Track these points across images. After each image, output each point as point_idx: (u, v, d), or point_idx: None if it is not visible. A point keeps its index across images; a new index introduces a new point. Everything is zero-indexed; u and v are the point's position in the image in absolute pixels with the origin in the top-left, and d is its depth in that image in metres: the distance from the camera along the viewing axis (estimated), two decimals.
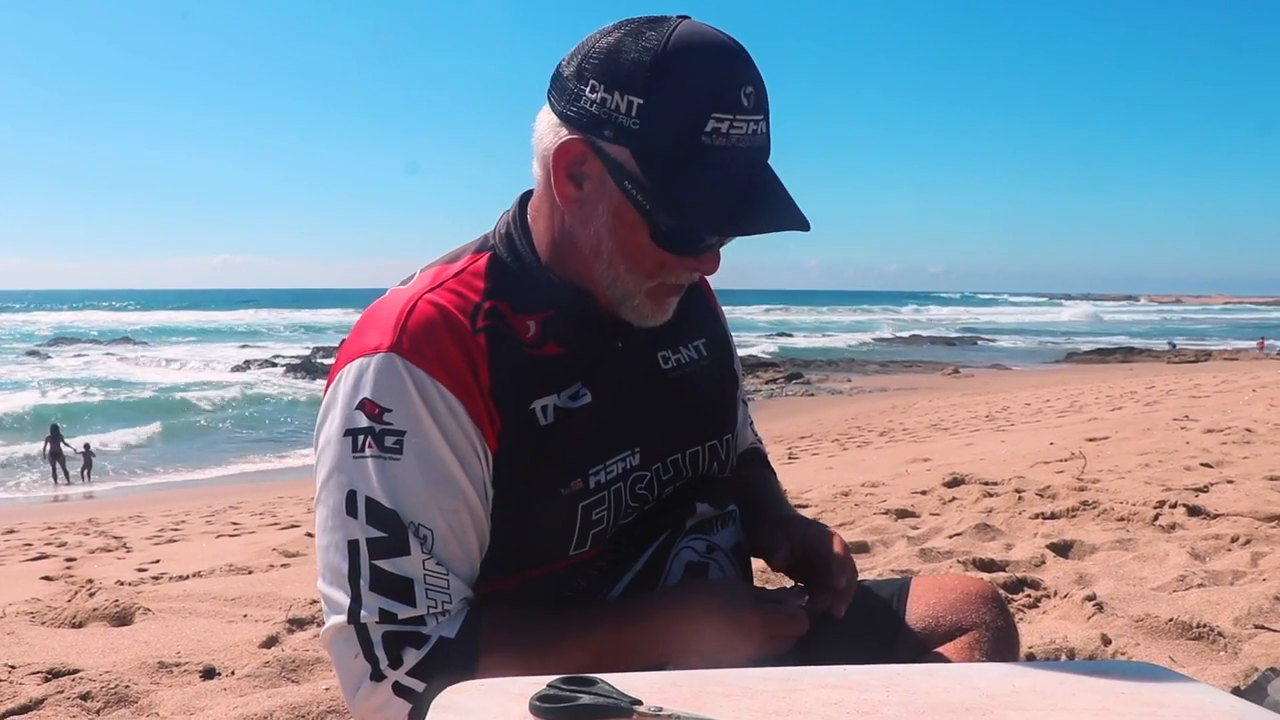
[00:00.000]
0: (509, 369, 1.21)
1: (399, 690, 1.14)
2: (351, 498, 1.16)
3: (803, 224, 1.17)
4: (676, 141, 1.12)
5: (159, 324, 64.81)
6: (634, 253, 1.20)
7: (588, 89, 1.15)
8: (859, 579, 1.45)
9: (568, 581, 1.26)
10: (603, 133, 1.15)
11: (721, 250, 1.24)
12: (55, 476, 16.92)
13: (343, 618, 1.16)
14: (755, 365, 29.36)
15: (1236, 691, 2.14)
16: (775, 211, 1.16)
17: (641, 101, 1.12)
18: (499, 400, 1.19)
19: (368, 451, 1.15)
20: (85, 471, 16.94)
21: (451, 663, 1.14)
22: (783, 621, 1.23)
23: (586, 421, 1.24)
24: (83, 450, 17.29)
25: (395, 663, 1.14)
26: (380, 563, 1.15)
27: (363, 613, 1.15)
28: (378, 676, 1.15)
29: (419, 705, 1.13)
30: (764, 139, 1.16)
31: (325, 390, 1.23)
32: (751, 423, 1.66)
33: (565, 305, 1.25)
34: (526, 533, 1.23)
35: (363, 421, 1.16)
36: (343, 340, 1.27)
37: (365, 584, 1.15)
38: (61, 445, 17.22)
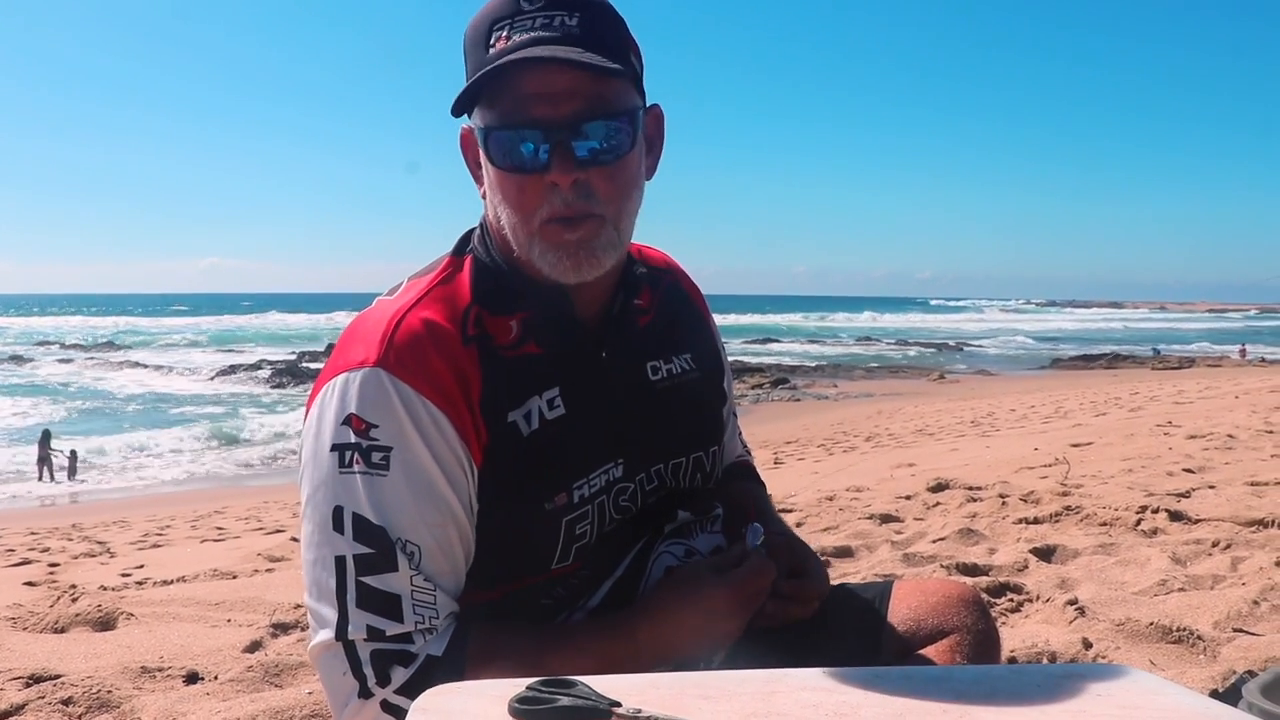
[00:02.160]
0: (496, 378, 1.21)
1: (387, 708, 1.14)
2: (338, 513, 1.15)
3: (575, 62, 1.13)
4: (477, 68, 1.16)
5: (144, 328, 64.43)
6: (502, 192, 1.20)
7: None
8: (841, 583, 1.46)
9: (548, 590, 1.26)
10: (463, 110, 1.21)
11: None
12: (41, 478, 17.12)
13: (330, 634, 1.15)
14: (741, 370, 29.33)
15: (1214, 694, 2.16)
16: (536, 50, 1.14)
17: (465, 62, 1.20)
18: (486, 413, 1.19)
19: (355, 467, 1.15)
20: (70, 476, 17.08)
21: (438, 681, 1.12)
22: (751, 579, 1.23)
23: (568, 433, 1.24)
24: (69, 455, 17.44)
25: (383, 681, 1.14)
26: (367, 579, 1.14)
27: (350, 629, 1.14)
28: (365, 694, 1.14)
29: None
30: (564, 29, 1.15)
31: (310, 403, 1.22)
32: (740, 434, 1.66)
33: (540, 305, 1.25)
34: (509, 548, 1.23)
35: (350, 437, 1.15)
36: (330, 345, 1.27)
37: (352, 601, 1.14)
38: (50, 450, 17.45)
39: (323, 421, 1.17)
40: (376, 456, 1.15)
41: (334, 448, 1.16)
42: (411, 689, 1.13)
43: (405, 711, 1.13)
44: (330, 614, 1.15)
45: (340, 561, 1.14)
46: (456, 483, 1.18)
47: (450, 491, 1.17)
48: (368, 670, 1.14)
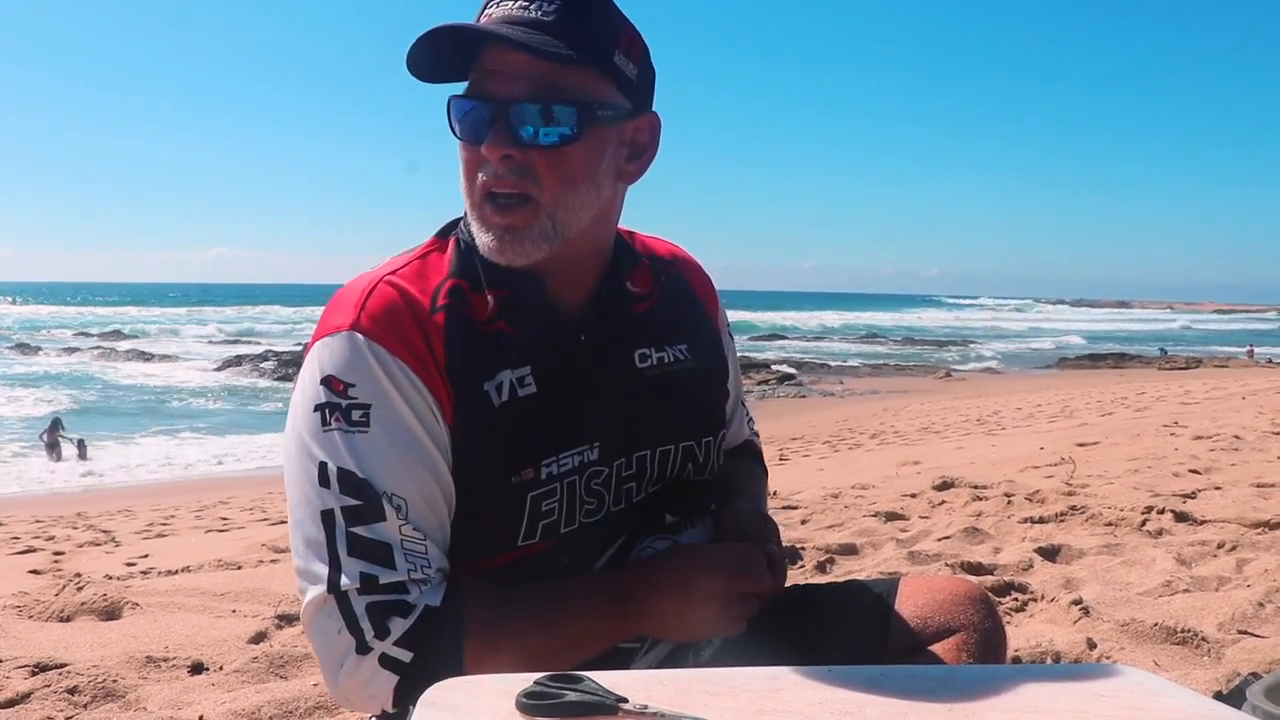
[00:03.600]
0: (464, 347, 1.23)
1: (385, 662, 1.14)
2: (323, 469, 1.17)
3: (522, 44, 1.16)
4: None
5: (151, 318, 64.58)
6: (461, 164, 1.24)
7: None
8: (849, 580, 1.46)
9: (524, 579, 1.26)
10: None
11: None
12: (51, 459, 17.32)
13: (321, 588, 1.15)
14: (748, 366, 29.32)
15: (1218, 696, 2.16)
16: (492, 26, 1.18)
17: None
18: (453, 378, 1.21)
19: (335, 425, 1.17)
20: (80, 459, 17.25)
21: (439, 631, 1.14)
22: (751, 581, 1.26)
23: (538, 412, 1.25)
24: (76, 442, 17.59)
25: (381, 633, 1.14)
26: (357, 529, 1.15)
27: (343, 579, 1.15)
28: (363, 649, 1.14)
29: (406, 676, 1.13)
30: (536, 15, 1.18)
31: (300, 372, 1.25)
32: (751, 421, 1.68)
33: (515, 288, 1.27)
34: (474, 519, 1.24)
35: (329, 397, 1.18)
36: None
37: (343, 550, 1.15)
38: (60, 437, 17.63)
39: (304, 386, 1.21)
40: (356, 414, 1.17)
41: (315, 408, 1.19)
42: (411, 640, 1.14)
43: (404, 664, 1.13)
44: (320, 568, 1.16)
45: (328, 515, 1.16)
46: (436, 438, 1.20)
47: (431, 446, 1.20)
48: (364, 624, 1.14)
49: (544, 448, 1.25)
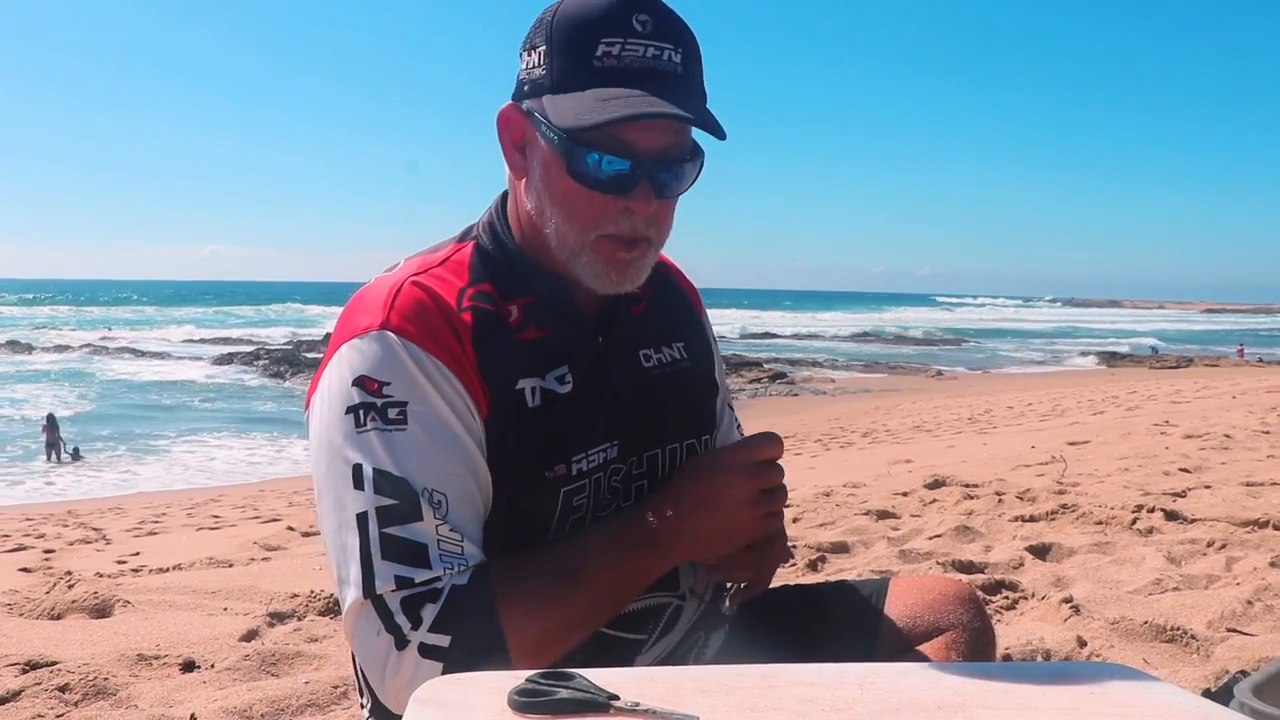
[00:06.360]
0: (494, 347, 1.22)
1: (425, 651, 1.11)
2: (358, 471, 1.15)
3: (696, 121, 1.16)
4: (572, 73, 1.17)
5: (143, 316, 64.38)
6: (564, 199, 1.21)
7: (520, 62, 1.23)
8: (839, 580, 1.47)
9: None
10: (524, 91, 1.21)
11: (666, 206, 1.24)
12: (49, 459, 17.31)
13: (358, 594, 1.14)
14: (739, 364, 29.27)
15: (1207, 693, 2.17)
16: (655, 103, 1.14)
17: (544, 48, 1.18)
18: (485, 375, 1.21)
19: (370, 425, 1.16)
20: (75, 456, 17.23)
21: (470, 607, 1.13)
22: (760, 449, 1.25)
23: (572, 408, 1.26)
24: (71, 451, 17.57)
25: (416, 623, 1.12)
26: (391, 530, 1.13)
27: (378, 583, 1.13)
28: (402, 644, 1.12)
29: (449, 662, 1.10)
30: (670, 65, 1.17)
31: (317, 378, 1.23)
32: (739, 425, 1.69)
33: (545, 292, 1.28)
34: (508, 513, 1.24)
35: (363, 398, 1.16)
36: (327, 335, 1.28)
37: (377, 553, 1.13)
38: (58, 436, 17.63)
39: (333, 390, 1.19)
40: (393, 413, 1.16)
41: (348, 410, 1.17)
42: (445, 623, 1.12)
43: (444, 649, 1.10)
44: (356, 573, 1.14)
45: (362, 518, 1.14)
46: (473, 432, 1.19)
47: (469, 440, 1.19)
48: (400, 620, 1.12)
49: (574, 445, 1.26)
